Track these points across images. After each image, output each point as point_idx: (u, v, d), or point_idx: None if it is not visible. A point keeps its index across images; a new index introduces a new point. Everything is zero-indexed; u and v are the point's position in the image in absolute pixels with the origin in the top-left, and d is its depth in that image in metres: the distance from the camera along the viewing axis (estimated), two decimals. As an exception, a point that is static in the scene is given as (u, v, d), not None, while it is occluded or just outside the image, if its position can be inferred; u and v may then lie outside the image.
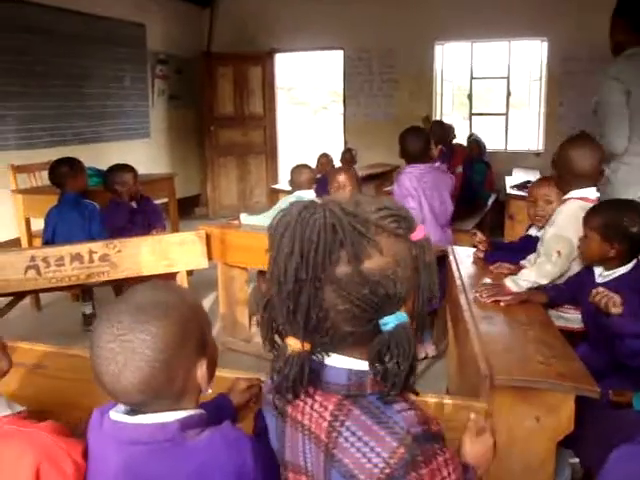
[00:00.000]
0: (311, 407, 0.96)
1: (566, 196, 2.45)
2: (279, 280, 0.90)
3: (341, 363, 0.95)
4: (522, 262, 2.60)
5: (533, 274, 2.32)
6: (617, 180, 3.02)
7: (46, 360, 1.76)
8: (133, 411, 1.03)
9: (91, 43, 6.38)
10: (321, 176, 5.13)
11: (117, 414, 1.03)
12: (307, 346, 0.93)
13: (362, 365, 0.94)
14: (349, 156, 6.00)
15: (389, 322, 0.90)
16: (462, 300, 2.22)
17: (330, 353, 0.96)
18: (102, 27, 6.51)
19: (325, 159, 5.49)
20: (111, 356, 0.96)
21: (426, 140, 3.61)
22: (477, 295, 2.22)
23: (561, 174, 2.47)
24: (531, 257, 2.57)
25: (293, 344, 0.93)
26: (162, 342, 0.97)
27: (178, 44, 7.86)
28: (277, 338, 1.00)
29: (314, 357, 0.95)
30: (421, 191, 3.44)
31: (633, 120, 2.96)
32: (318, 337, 0.92)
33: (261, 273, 3.85)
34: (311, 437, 0.96)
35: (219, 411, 1.38)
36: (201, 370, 1.05)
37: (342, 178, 3.57)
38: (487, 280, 2.40)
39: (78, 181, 4.02)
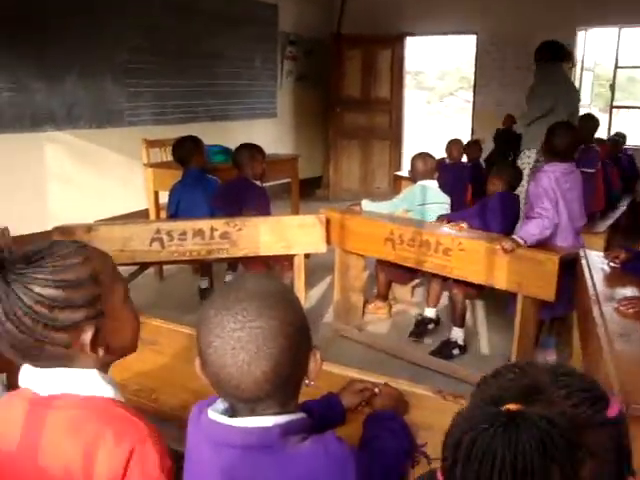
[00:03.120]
0: None
1: None
2: None
3: None
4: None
5: None
6: None
7: (160, 336, 1.76)
8: (232, 411, 0.97)
9: (225, 23, 6.51)
10: (448, 164, 4.91)
11: (215, 413, 0.96)
12: None
13: None
14: (476, 147, 5.68)
15: None
16: (595, 313, 2.00)
17: None
18: (236, 7, 6.62)
19: (456, 146, 5.16)
20: (239, 345, 0.89)
21: (574, 137, 3.30)
22: (622, 308, 1.99)
23: None
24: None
25: None
26: (289, 328, 0.93)
27: (308, 25, 7.85)
28: None
29: None
30: (560, 193, 3.14)
31: None
32: None
33: (380, 262, 3.75)
34: None
35: (327, 411, 1.33)
36: (314, 361, 0.99)
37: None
38: (631, 292, 2.16)
39: (200, 157, 4.09)
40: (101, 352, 1.00)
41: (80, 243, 1.05)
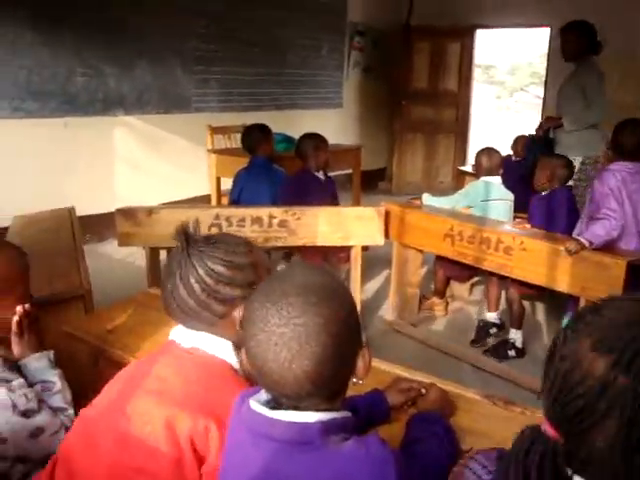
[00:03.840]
0: None
1: None
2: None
3: None
4: None
5: None
6: None
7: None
8: (274, 403, 0.95)
9: (293, 11, 6.51)
10: (513, 161, 4.76)
11: (257, 404, 0.95)
12: None
13: None
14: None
15: None
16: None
17: None
18: (306, -4, 6.61)
19: (522, 142, 5.00)
20: (282, 341, 0.87)
21: None
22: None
23: None
24: None
25: None
26: (335, 326, 0.90)
27: (377, 16, 7.77)
28: None
29: None
30: (626, 193, 3.00)
31: None
32: None
33: (439, 258, 3.68)
34: None
35: (372, 407, 1.31)
36: (363, 360, 0.96)
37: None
38: None
39: (268, 146, 4.09)
40: None
41: (247, 239, 1.30)
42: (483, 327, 3.53)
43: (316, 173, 3.85)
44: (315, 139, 3.89)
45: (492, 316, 3.54)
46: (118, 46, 5.01)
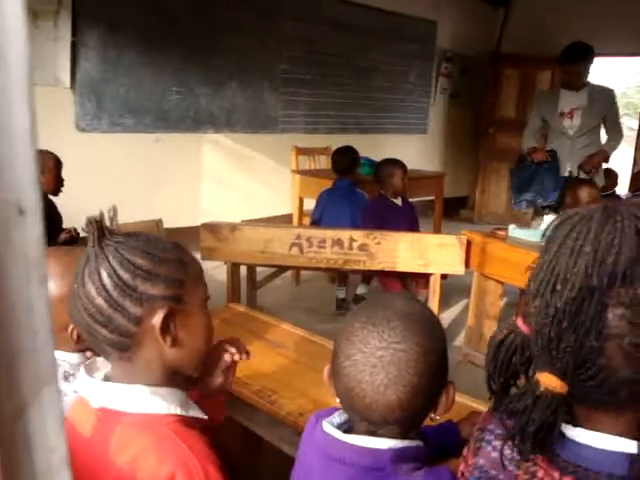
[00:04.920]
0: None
1: None
2: (550, 289, 0.70)
3: (600, 441, 0.72)
4: None
5: None
6: None
7: (288, 341, 1.79)
8: (348, 427, 0.95)
9: (382, 37, 6.57)
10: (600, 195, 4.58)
11: (330, 426, 0.95)
12: (564, 388, 0.72)
13: (631, 446, 0.70)
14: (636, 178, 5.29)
15: None
16: None
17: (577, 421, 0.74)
18: (394, 23, 6.66)
19: (610, 175, 4.84)
20: (380, 365, 0.87)
21: None
22: None
23: None
24: None
25: (548, 382, 0.72)
26: (433, 357, 0.90)
27: (466, 43, 7.72)
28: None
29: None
30: None
31: None
32: (579, 380, 0.70)
33: (523, 293, 3.57)
34: None
35: (444, 439, 1.28)
36: (447, 396, 0.95)
37: None
38: None
39: (354, 171, 4.13)
40: (169, 342, 0.96)
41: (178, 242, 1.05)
42: None
43: (394, 199, 3.86)
44: (392, 165, 3.91)
45: None
46: (211, 67, 5.19)
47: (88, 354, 1.26)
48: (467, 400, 1.57)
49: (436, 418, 0.98)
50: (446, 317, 4.10)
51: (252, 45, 5.45)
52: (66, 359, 1.25)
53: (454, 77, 7.78)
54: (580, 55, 4.16)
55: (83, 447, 0.93)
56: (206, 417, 1.02)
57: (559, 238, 0.72)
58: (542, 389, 0.73)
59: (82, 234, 1.00)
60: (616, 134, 4.13)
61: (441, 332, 0.95)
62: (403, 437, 0.92)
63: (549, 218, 3.66)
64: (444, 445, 1.27)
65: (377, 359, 0.87)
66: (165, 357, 0.97)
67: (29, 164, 0.31)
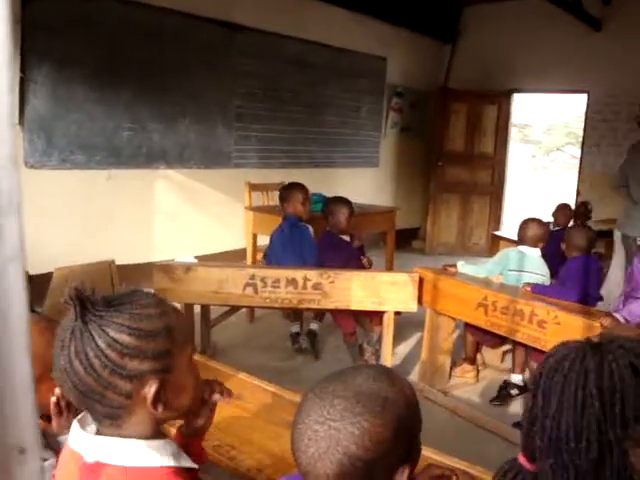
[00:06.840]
0: None
1: None
2: (564, 447, 0.73)
3: None
4: None
5: None
6: None
7: (245, 391, 1.79)
8: None
9: (334, 74, 6.70)
10: (557, 229, 4.71)
11: None
12: None
13: None
14: (583, 210, 5.46)
15: None
16: None
17: None
18: (346, 59, 6.81)
19: (564, 211, 4.93)
20: (314, 438, 0.89)
21: None
22: None
23: None
24: None
25: None
26: (370, 441, 0.88)
27: (416, 78, 7.93)
28: None
29: None
30: None
31: None
32: None
33: (469, 324, 3.65)
34: None
35: None
36: (401, 478, 0.94)
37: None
38: None
39: (304, 207, 4.12)
40: (160, 409, 0.98)
41: (160, 297, 1.06)
42: (505, 387, 3.55)
43: (341, 235, 3.93)
44: (338, 204, 4.00)
45: (517, 378, 3.54)
46: (163, 103, 5.19)
47: None
48: (424, 449, 1.57)
49: None
50: (400, 351, 4.14)
51: (205, 81, 5.48)
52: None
53: (404, 111, 7.96)
54: None
55: None
56: (197, 466, 1.04)
57: (557, 391, 0.75)
58: None
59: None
60: None
61: (395, 421, 0.92)
62: None
63: (498, 256, 3.75)
64: None
65: (313, 432, 0.89)
66: (156, 417, 1.00)
67: (30, 408, 0.32)
